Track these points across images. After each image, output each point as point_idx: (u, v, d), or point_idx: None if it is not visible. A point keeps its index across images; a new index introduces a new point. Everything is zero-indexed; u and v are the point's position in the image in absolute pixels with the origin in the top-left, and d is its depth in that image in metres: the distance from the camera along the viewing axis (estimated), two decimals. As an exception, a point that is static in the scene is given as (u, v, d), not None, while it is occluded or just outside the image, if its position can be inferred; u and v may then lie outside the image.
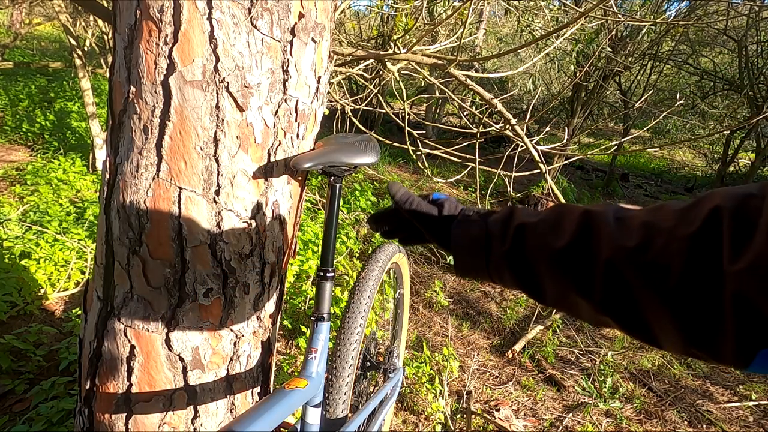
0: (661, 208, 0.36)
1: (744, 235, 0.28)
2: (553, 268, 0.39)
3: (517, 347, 2.22)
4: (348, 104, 2.50)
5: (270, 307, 0.87)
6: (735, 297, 0.28)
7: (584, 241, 0.38)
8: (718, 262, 0.29)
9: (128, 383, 0.78)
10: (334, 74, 2.20)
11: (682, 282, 0.31)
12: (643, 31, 4.24)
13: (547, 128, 2.79)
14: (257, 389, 0.91)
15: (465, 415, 1.71)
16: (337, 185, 0.81)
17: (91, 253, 2.07)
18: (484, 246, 0.45)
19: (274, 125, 0.75)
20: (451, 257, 0.53)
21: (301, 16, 0.73)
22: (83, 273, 2.04)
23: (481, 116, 1.81)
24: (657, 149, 8.75)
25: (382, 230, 0.62)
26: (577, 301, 0.39)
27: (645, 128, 5.83)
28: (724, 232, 0.29)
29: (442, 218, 0.51)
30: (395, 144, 2.21)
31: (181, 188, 0.71)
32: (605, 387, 2.02)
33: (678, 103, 2.32)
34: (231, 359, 0.83)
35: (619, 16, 2.54)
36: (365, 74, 2.33)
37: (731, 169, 5.85)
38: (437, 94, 3.86)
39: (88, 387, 0.83)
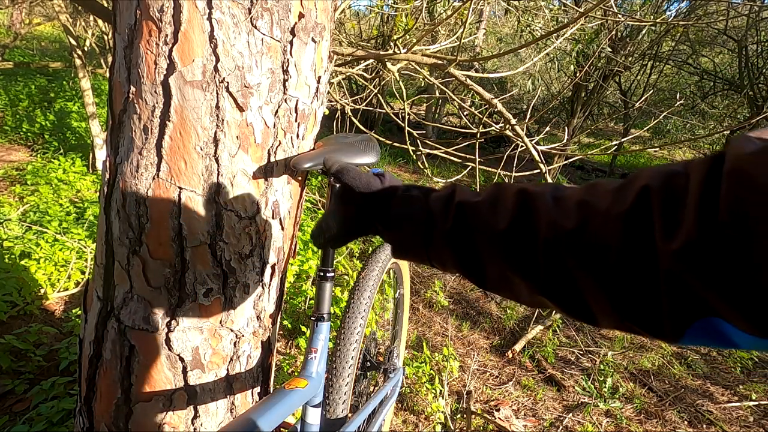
0: (596, 187, 0.36)
1: (673, 215, 0.29)
2: (495, 249, 0.39)
3: (517, 347, 2.22)
4: (348, 104, 2.50)
5: (270, 307, 0.87)
6: (669, 275, 0.28)
7: (524, 221, 0.37)
8: (651, 241, 0.30)
9: (128, 383, 0.78)
10: (334, 74, 2.20)
11: (620, 260, 0.31)
12: (643, 31, 4.24)
13: (547, 128, 2.79)
14: (257, 389, 0.91)
15: (465, 415, 1.71)
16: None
17: (91, 253, 2.07)
18: (425, 224, 0.43)
19: (274, 125, 0.75)
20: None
21: (301, 16, 0.73)
22: (83, 273, 2.04)
23: (481, 116, 1.81)
24: (657, 149, 8.74)
25: (328, 235, 0.56)
26: (517, 282, 0.38)
27: (645, 128, 5.83)
28: (654, 211, 0.30)
29: (383, 193, 0.48)
30: (395, 144, 2.21)
31: (181, 188, 0.71)
32: (605, 387, 2.02)
33: (678, 103, 2.32)
34: (231, 359, 0.83)
35: (619, 16, 2.54)
36: (365, 74, 2.33)
37: (731, 169, 5.82)
38: (437, 94, 3.86)
39: (88, 387, 0.83)
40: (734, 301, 0.26)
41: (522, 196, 0.39)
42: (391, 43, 1.68)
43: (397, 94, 2.06)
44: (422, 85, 5.92)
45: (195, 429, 0.82)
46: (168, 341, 0.76)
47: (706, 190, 0.27)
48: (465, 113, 4.22)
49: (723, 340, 0.28)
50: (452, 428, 1.67)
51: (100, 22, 3.26)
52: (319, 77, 0.81)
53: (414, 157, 2.24)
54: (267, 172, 0.76)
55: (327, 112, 1.69)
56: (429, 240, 0.43)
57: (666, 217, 0.29)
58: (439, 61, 1.53)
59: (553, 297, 0.36)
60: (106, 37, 3.36)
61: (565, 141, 3.40)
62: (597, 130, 8.96)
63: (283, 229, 0.84)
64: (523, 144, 1.69)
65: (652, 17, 3.61)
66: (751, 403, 2.06)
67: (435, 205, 0.44)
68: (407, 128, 1.90)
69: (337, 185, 0.54)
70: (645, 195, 0.31)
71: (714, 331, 0.28)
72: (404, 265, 1.37)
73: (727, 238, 0.25)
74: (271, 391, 0.95)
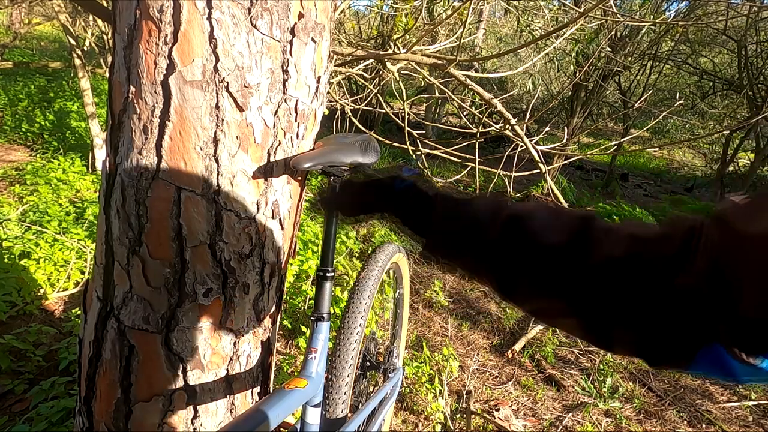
0: (645, 225, 0.42)
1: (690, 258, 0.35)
2: (542, 268, 0.43)
3: (517, 347, 2.22)
4: (348, 104, 2.50)
5: (270, 307, 0.87)
6: (687, 303, 0.35)
7: (580, 243, 0.42)
8: (671, 277, 0.36)
9: (128, 383, 0.78)
10: (334, 74, 2.20)
11: (659, 287, 0.37)
12: (643, 31, 4.25)
13: (547, 128, 2.79)
14: (257, 389, 0.91)
15: (465, 415, 1.71)
16: (337, 185, 0.81)
17: (90, 253, 2.07)
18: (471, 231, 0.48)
19: (274, 125, 0.75)
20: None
21: (300, 16, 0.73)
22: (83, 273, 2.04)
23: (481, 116, 1.81)
24: (657, 149, 8.75)
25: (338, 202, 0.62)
26: (541, 293, 0.45)
27: (645, 128, 5.84)
28: (695, 254, 0.36)
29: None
30: (395, 144, 2.21)
31: (180, 188, 0.71)
32: (605, 387, 2.02)
33: (678, 103, 2.32)
34: (231, 359, 0.83)
35: (619, 16, 2.54)
36: (365, 74, 2.33)
37: (731, 168, 5.86)
38: (437, 94, 3.86)
39: (87, 387, 0.83)
40: (728, 325, 0.31)
41: (584, 220, 0.43)
42: (391, 43, 1.68)
43: (396, 94, 2.06)
44: (422, 85, 5.92)
45: (195, 429, 0.82)
46: (168, 341, 0.76)
47: (708, 242, 0.34)
48: (465, 113, 4.21)
49: (725, 368, 0.33)
50: (452, 428, 1.67)
51: (99, 22, 3.26)
52: (319, 77, 0.81)
53: (414, 157, 2.24)
54: (267, 172, 0.76)
55: (327, 112, 1.69)
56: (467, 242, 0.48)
57: (689, 258, 0.35)
58: (439, 61, 1.53)
59: (583, 311, 0.41)
60: (105, 37, 3.36)
61: (564, 141, 3.40)
62: (597, 130, 8.97)
63: (282, 229, 0.84)
64: (522, 144, 1.69)
65: (651, 17, 3.61)
66: (751, 403, 2.06)
67: (482, 214, 0.47)
68: (407, 128, 1.90)
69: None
70: (687, 243, 0.36)
71: (717, 360, 0.33)
72: (404, 265, 1.37)
73: (721, 278, 0.32)
74: (271, 391, 0.95)
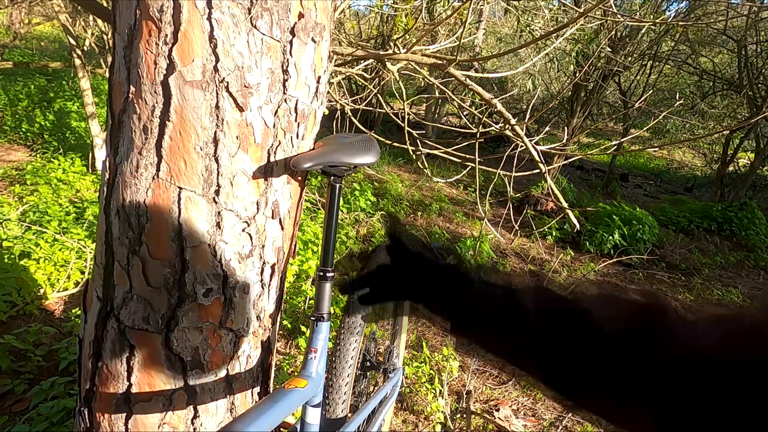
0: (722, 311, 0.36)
1: None
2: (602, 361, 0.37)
3: (517, 347, 2.22)
4: (348, 104, 2.49)
5: (270, 307, 0.87)
6: None
7: (642, 334, 0.36)
8: None
9: (128, 383, 0.78)
10: (333, 74, 2.20)
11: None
12: (643, 31, 4.25)
13: (547, 128, 2.79)
14: (257, 389, 0.91)
15: (465, 415, 1.71)
16: (337, 185, 0.80)
17: (90, 253, 2.07)
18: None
19: (274, 125, 0.75)
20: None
21: (300, 16, 0.73)
22: (83, 273, 2.04)
23: (481, 116, 1.81)
24: (657, 149, 8.76)
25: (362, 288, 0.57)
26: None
27: (645, 128, 5.84)
28: None
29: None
30: (395, 144, 2.21)
31: (180, 188, 0.71)
32: (605, 387, 2.02)
33: (678, 103, 2.32)
34: (231, 359, 0.83)
35: (619, 16, 2.54)
36: (365, 74, 2.33)
37: (731, 168, 5.86)
38: (437, 94, 3.86)
39: (87, 387, 0.83)
40: None
41: (650, 305, 0.36)
42: (391, 43, 1.68)
43: (396, 94, 2.06)
44: (422, 85, 5.92)
45: (195, 429, 0.82)
46: (168, 341, 0.76)
47: None
48: (465, 113, 4.21)
49: None
50: (452, 428, 1.67)
51: (99, 22, 3.26)
52: (319, 77, 0.81)
53: (414, 157, 2.23)
54: (267, 172, 0.76)
55: (327, 112, 1.69)
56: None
57: None
58: (439, 61, 1.53)
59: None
60: (105, 37, 3.36)
61: (564, 141, 3.40)
62: (597, 130, 8.98)
63: (282, 229, 0.84)
64: (522, 144, 1.69)
65: (651, 17, 3.61)
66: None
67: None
68: (407, 128, 1.90)
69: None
70: None
71: None
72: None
73: None
74: (271, 391, 0.95)
